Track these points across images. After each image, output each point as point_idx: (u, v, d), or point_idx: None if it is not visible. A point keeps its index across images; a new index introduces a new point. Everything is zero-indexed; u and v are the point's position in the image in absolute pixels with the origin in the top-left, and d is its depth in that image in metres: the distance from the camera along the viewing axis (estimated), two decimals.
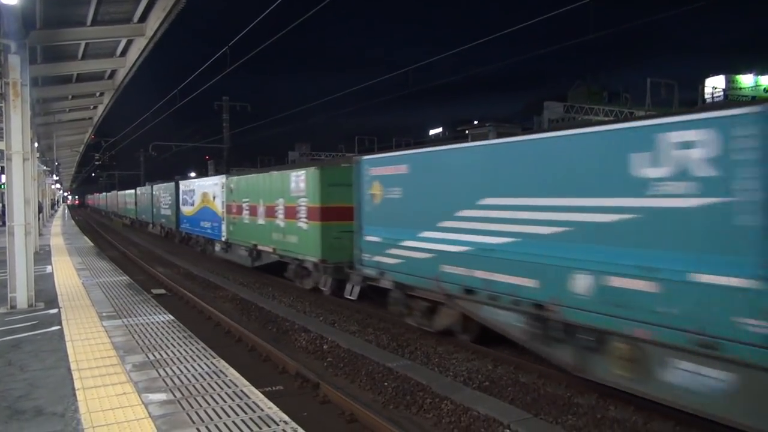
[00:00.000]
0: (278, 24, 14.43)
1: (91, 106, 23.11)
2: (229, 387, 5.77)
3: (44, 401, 5.45)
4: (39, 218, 25.61)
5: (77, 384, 5.89)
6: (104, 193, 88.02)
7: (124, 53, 15.08)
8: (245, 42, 15.50)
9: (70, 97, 20.09)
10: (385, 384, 8.24)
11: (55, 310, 9.69)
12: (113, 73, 17.40)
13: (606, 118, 44.97)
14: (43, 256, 18.34)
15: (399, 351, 9.98)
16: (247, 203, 18.92)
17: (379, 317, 12.27)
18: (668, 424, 6.73)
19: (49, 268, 15.25)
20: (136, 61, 14.79)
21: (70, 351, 7.14)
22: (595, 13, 12.53)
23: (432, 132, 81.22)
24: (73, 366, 6.51)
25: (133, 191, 47.73)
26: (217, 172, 46.09)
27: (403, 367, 8.92)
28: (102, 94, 20.22)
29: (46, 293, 11.24)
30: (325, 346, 10.30)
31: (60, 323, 8.71)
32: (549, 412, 7.14)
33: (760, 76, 54.63)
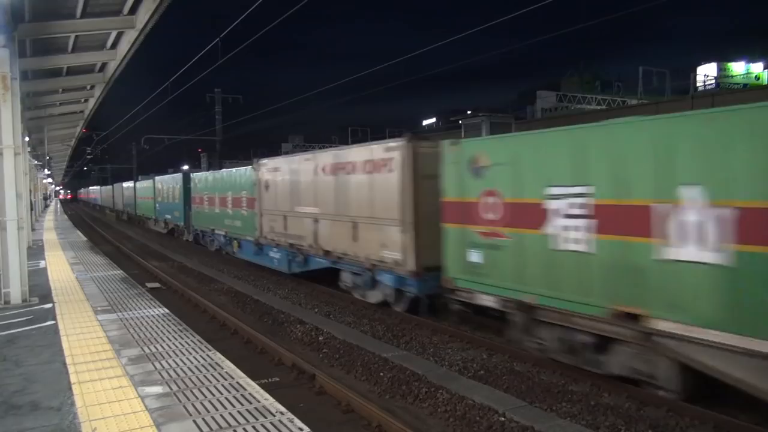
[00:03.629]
0: (270, 15, 14.36)
1: (82, 100, 22.93)
2: (225, 379, 5.79)
3: (40, 396, 5.45)
4: (31, 213, 25.47)
5: (73, 378, 5.89)
6: (139, 182, 41.03)
7: (114, 46, 14.95)
8: (237, 34, 15.41)
9: (60, 90, 19.91)
10: (381, 374, 8.28)
11: (49, 305, 9.66)
12: (104, 65, 17.26)
13: (598, 107, 45.04)
14: (36, 251, 18.25)
15: (394, 341, 10.03)
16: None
17: (374, 309, 12.30)
18: (661, 410, 6.80)
19: (42, 263, 15.18)
20: (126, 53, 14.67)
21: (65, 345, 7.13)
22: (587, 1, 12.53)
23: (425, 122, 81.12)
24: (68, 360, 6.51)
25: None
26: (211, 165, 45.73)
27: (399, 358, 8.97)
28: (93, 87, 20.05)
29: (40, 288, 11.20)
30: (320, 338, 10.33)
31: (55, 318, 8.69)
32: (543, 400, 7.20)
33: (751, 64, 54.77)
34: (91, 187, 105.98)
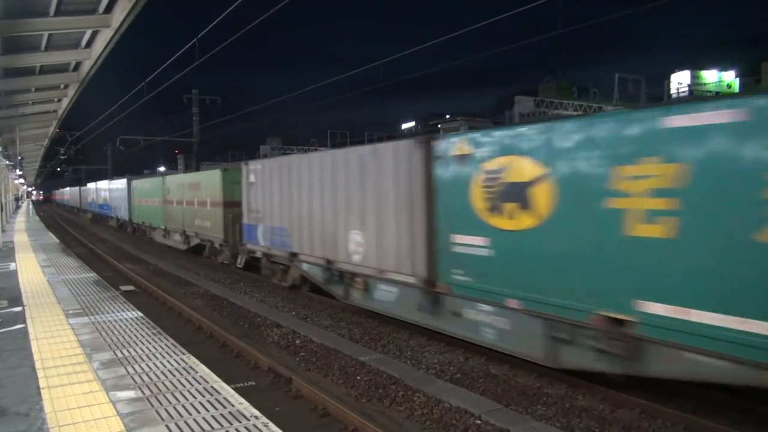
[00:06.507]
0: (248, 17, 14.24)
1: (56, 99, 22.52)
2: (200, 383, 5.71)
3: (8, 401, 5.32)
4: (1, 215, 24.93)
5: (42, 383, 5.76)
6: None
7: (89, 45, 14.71)
8: (215, 34, 15.26)
9: (33, 89, 19.51)
10: (358, 378, 8.26)
11: (19, 308, 9.45)
12: (78, 65, 16.97)
13: (575, 113, 45.64)
14: (6, 252, 17.86)
15: (372, 345, 10.01)
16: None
17: (351, 311, 12.28)
18: (634, 412, 6.89)
19: (12, 266, 14.85)
20: (101, 53, 14.44)
21: (34, 349, 6.97)
22: (563, 10, 12.67)
23: (404, 126, 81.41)
24: (37, 365, 6.37)
25: None
26: (187, 167, 45.18)
27: (376, 361, 8.96)
28: (67, 86, 19.71)
29: (9, 291, 10.96)
30: (297, 341, 10.27)
31: (24, 321, 8.50)
32: (519, 403, 7.25)
33: (722, 72, 56.09)
34: (94, 184, 51.24)
